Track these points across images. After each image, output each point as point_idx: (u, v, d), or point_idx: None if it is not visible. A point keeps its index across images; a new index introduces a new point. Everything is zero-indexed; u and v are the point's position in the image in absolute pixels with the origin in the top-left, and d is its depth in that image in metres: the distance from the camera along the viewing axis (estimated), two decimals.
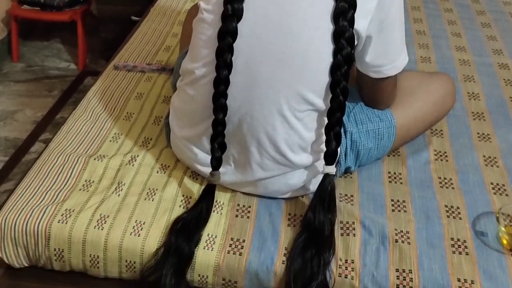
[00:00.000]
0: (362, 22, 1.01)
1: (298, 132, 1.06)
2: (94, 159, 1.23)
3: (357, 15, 0.99)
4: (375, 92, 1.19)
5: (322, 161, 1.08)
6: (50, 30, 3.15)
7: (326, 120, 1.06)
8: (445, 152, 1.29)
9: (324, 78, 1.02)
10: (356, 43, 1.03)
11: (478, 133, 1.36)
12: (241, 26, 1.01)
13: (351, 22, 0.99)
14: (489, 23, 1.87)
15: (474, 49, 1.72)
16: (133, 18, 2.59)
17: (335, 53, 1.01)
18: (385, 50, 1.09)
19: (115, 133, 1.34)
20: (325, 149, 1.07)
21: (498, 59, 1.67)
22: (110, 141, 1.31)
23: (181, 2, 2.00)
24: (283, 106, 1.03)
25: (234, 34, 1.01)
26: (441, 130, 1.36)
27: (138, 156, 1.25)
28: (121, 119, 1.39)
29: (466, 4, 2.01)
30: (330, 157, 1.07)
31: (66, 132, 1.33)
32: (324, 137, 1.07)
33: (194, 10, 1.42)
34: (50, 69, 2.89)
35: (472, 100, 1.48)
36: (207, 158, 1.12)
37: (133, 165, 1.22)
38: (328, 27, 1.00)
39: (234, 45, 1.01)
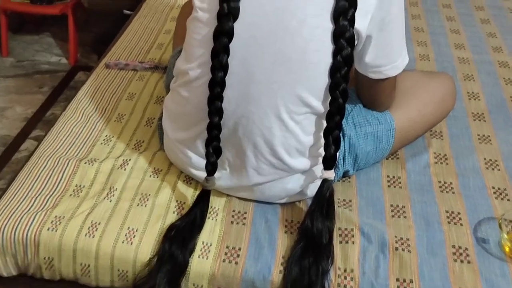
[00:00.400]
0: (362, 21, 0.98)
1: (295, 135, 1.03)
2: (85, 162, 1.19)
3: (357, 14, 0.96)
4: (374, 94, 1.15)
5: (320, 166, 1.05)
6: (41, 24, 3.08)
7: (324, 124, 1.03)
8: (445, 155, 1.27)
9: (323, 80, 0.99)
10: (356, 43, 1.00)
11: (478, 135, 1.33)
12: (237, 25, 0.97)
13: (352, 21, 0.96)
14: (488, 19, 1.84)
15: (473, 46, 1.69)
16: (125, 12, 2.55)
17: (335, 54, 0.97)
18: (385, 50, 1.06)
19: (106, 135, 1.30)
20: (323, 153, 1.04)
21: (497, 57, 1.64)
22: (101, 143, 1.27)
23: None
24: (280, 108, 1.00)
25: (230, 34, 0.97)
26: (441, 132, 1.34)
27: (130, 159, 1.21)
28: (113, 120, 1.35)
29: None
30: (329, 162, 1.04)
31: (56, 134, 1.29)
32: (322, 141, 1.04)
33: (188, 5, 1.38)
34: (41, 63, 2.84)
35: (472, 100, 1.45)
36: (202, 162, 1.08)
37: (125, 169, 1.18)
38: (327, 27, 0.96)
39: (230, 45, 0.98)
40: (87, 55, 2.90)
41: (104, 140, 1.28)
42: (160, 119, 1.24)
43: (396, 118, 1.18)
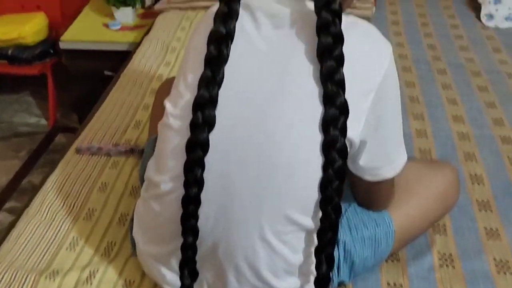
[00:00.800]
0: (355, 127, 0.86)
1: (283, 256, 0.90)
2: (46, 277, 1.05)
3: (349, 120, 0.84)
4: (370, 195, 1.03)
5: (312, 285, 0.92)
6: (20, 82, 2.97)
7: (316, 239, 0.90)
8: (450, 255, 1.14)
9: (312, 195, 0.87)
10: (348, 150, 0.88)
11: (485, 228, 1.21)
12: (214, 135, 0.85)
13: (343, 130, 0.84)
14: (486, 87, 1.74)
15: (473, 119, 1.59)
16: (106, 73, 2.44)
17: (325, 167, 0.85)
18: (382, 151, 0.94)
19: (73, 238, 1.16)
20: (315, 271, 0.91)
21: (499, 131, 1.53)
22: (67, 248, 1.14)
23: (154, 66, 1.84)
24: (265, 228, 0.87)
25: (204, 146, 0.85)
26: (444, 225, 1.21)
27: (98, 270, 1.07)
28: (81, 218, 1.21)
29: (460, 64, 1.88)
30: (322, 283, 0.90)
31: (16, 237, 1.16)
32: (314, 258, 0.91)
33: (166, 87, 1.27)
34: (19, 125, 2.72)
35: (476, 185, 1.33)
36: (177, 280, 0.94)
37: (91, 283, 1.05)
38: (316, 137, 0.84)
39: (206, 158, 0.85)
40: (67, 116, 2.79)
41: (70, 244, 1.15)
42: (132, 220, 1.10)
43: (395, 218, 1.06)
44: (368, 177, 0.97)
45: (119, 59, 2.25)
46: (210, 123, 0.85)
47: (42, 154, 2.53)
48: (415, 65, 1.85)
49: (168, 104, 0.93)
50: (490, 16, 2.17)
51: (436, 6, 2.31)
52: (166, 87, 1.29)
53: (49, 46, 2.66)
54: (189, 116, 0.86)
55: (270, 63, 0.85)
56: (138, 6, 2.51)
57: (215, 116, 0.85)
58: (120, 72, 1.84)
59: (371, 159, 0.93)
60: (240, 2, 0.86)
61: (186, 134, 0.86)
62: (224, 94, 0.85)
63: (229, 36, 0.85)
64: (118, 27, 2.43)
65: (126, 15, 2.44)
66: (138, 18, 2.52)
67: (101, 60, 2.41)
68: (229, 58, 0.85)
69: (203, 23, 0.93)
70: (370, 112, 0.87)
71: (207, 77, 0.85)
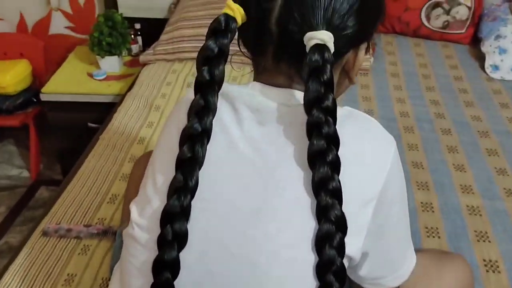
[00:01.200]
0: (355, 242, 0.72)
1: None
2: None
3: (348, 236, 0.70)
4: None
5: None
6: (2, 131, 2.83)
7: None
8: None
9: None
10: (347, 265, 0.74)
11: None
12: (186, 254, 0.70)
13: (341, 249, 0.69)
14: (496, 150, 1.60)
15: (483, 188, 1.44)
16: (90, 125, 2.30)
17: None
18: (386, 260, 0.81)
19: None
20: None
21: None
22: None
23: (136, 127, 1.70)
24: None
25: (174, 267, 0.70)
26: None
27: None
28: None
29: (465, 122, 1.74)
30: None
31: None
32: None
33: (143, 163, 1.13)
34: None
35: (491, 273, 1.18)
36: None
37: None
38: (308, 259, 0.70)
39: (178, 281, 0.71)
40: (51, 166, 2.64)
41: None
42: None
43: None
44: (369, 286, 0.83)
45: (103, 110, 2.12)
46: (180, 240, 0.70)
47: (22, 211, 2.38)
48: (418, 124, 1.72)
49: (133, 209, 0.79)
50: (495, 67, 2.05)
51: (438, 56, 2.20)
52: (142, 165, 1.17)
53: (32, 95, 2.54)
54: (157, 229, 0.71)
55: (252, 169, 0.71)
56: (124, 53, 2.40)
57: (187, 231, 0.70)
58: (99, 133, 1.70)
59: (373, 269, 0.80)
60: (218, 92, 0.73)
61: (154, 249, 0.72)
62: (197, 205, 0.71)
63: (205, 134, 0.72)
64: (103, 76, 2.31)
65: (111, 64, 2.33)
66: (125, 66, 2.41)
67: (84, 112, 2.29)
68: (205, 160, 0.72)
69: (175, 114, 0.79)
70: (372, 222, 0.73)
71: (178, 183, 0.71)
